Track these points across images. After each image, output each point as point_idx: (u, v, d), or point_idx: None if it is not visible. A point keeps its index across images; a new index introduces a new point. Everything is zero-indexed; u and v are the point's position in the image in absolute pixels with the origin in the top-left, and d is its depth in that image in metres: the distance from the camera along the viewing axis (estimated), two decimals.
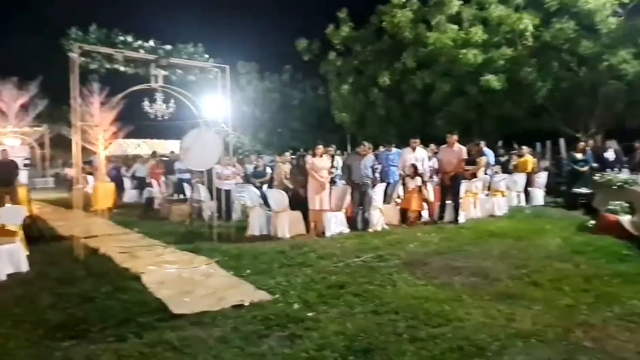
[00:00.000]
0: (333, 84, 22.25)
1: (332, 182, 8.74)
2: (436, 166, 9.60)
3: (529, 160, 11.87)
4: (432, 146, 11.41)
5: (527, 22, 15.40)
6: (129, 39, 7.31)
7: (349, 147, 25.01)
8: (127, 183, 15.06)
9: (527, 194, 11.40)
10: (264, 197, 8.47)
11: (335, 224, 7.85)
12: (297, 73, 27.24)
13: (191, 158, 7.89)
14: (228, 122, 8.27)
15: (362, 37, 20.68)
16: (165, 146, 28.35)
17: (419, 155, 9.16)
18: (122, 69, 7.48)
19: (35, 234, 7.89)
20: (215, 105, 8.28)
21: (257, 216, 8.19)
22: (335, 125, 23.41)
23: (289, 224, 7.73)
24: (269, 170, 11.04)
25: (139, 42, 7.40)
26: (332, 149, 10.36)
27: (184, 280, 5.27)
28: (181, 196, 11.08)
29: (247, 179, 10.77)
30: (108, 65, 7.31)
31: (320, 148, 7.99)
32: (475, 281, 4.99)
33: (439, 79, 17.63)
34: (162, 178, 13.35)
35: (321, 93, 25.94)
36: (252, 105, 25.99)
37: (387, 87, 19.19)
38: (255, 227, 8.13)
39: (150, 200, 12.87)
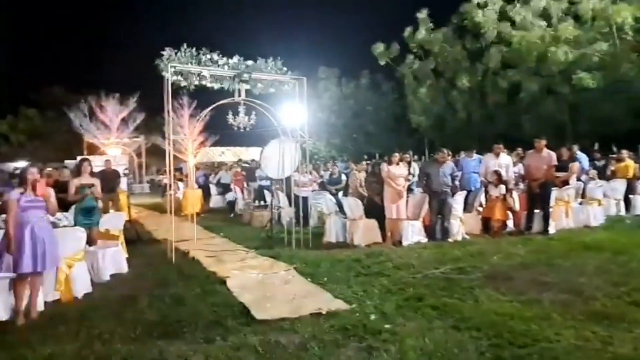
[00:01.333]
0: (410, 87, 21.93)
1: (409, 190, 8.61)
2: (522, 172, 9.06)
3: (630, 165, 10.77)
4: (519, 150, 10.80)
5: (627, 14, 14.02)
6: (215, 56, 7.80)
7: (426, 152, 24.45)
8: (213, 189, 16.01)
9: (627, 203, 10.36)
10: (339, 204, 8.57)
11: (413, 233, 7.72)
12: (374, 77, 27.20)
13: (271, 167, 8.23)
14: (304, 129, 8.50)
15: (440, 38, 20.15)
16: (248, 153, 29.74)
17: (503, 162, 8.71)
18: (208, 85, 8.01)
19: (134, 237, 8.67)
20: (293, 114, 8.55)
21: (333, 223, 8.30)
22: (412, 129, 23.02)
23: (364, 232, 7.74)
24: (344, 177, 11.15)
25: (224, 59, 7.87)
26: (408, 155, 10.22)
27: (265, 286, 5.49)
28: (262, 202, 11.54)
29: (323, 186, 10.97)
30: (197, 82, 7.86)
31: (396, 156, 7.92)
32: (567, 299, 4.64)
33: (526, 78, 16.66)
34: (244, 184, 14.05)
35: (397, 97, 25.66)
36: (327, 111, 26.40)
37: (467, 89, 18.52)
38: (332, 234, 8.25)
39: (232, 204, 13.60)
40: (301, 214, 8.65)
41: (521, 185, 9.05)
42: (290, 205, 9.41)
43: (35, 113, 30.53)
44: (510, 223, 8.49)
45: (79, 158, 17.36)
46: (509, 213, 8.39)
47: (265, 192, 11.68)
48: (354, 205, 7.88)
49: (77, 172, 6.81)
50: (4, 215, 5.61)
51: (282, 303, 4.82)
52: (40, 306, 4.72)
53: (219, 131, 18.02)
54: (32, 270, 4.55)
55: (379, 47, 21.97)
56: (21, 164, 29.54)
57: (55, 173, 10.67)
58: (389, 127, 26.08)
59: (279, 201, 10.24)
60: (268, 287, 5.42)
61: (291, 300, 4.90)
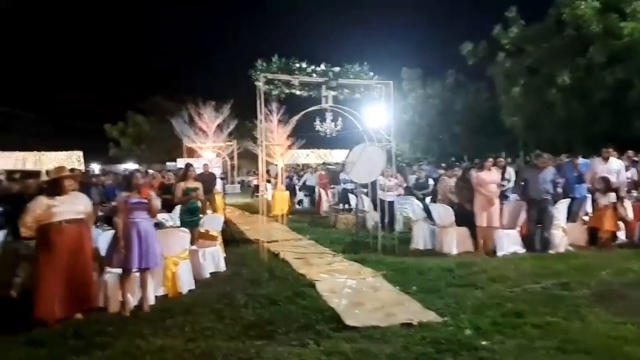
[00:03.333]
0: (501, 86, 20.75)
1: (504, 196, 8.15)
2: (635, 178, 8.17)
3: None
4: (629, 153, 9.74)
5: None
6: (304, 65, 8.02)
7: (521, 154, 22.98)
8: (299, 191, 16.49)
9: None
10: (427, 210, 8.37)
11: (508, 242, 7.30)
12: (460, 77, 26.17)
13: (356, 171, 8.27)
14: (389, 131, 8.43)
15: (536, 34, 18.81)
16: (331, 156, 30.22)
17: (614, 167, 7.93)
18: (297, 92, 8.27)
19: (229, 237, 9.20)
20: (378, 117, 8.53)
21: (421, 230, 8.13)
22: (502, 130, 21.75)
23: (455, 240, 7.48)
24: (431, 181, 10.85)
25: (312, 67, 8.07)
26: (502, 160, 9.67)
27: (353, 292, 5.53)
28: (346, 206, 11.64)
29: (409, 191, 10.77)
30: (287, 90, 8.15)
31: (490, 161, 7.55)
32: None
33: (637, 74, 14.97)
34: (329, 187, 14.28)
35: (486, 96, 24.41)
36: (410, 112, 25.88)
37: (567, 86, 17.08)
38: (419, 241, 8.08)
39: (316, 205, 13.89)
40: (386, 218, 8.58)
41: (635, 193, 8.15)
42: (375, 209, 9.37)
43: (142, 119, 33.72)
44: (621, 235, 7.69)
45: (182, 162, 18.82)
46: (620, 223, 7.60)
47: (349, 195, 11.77)
48: (443, 212, 7.65)
49: (183, 176, 7.41)
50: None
51: (372, 311, 4.82)
52: (151, 300, 5.20)
53: (304, 134, 18.51)
54: (139, 267, 5.02)
55: (467, 47, 21.11)
56: (130, 165, 32.83)
57: (159, 176, 11.72)
58: (477, 128, 24.89)
59: (364, 205, 10.25)
60: (357, 293, 5.45)
61: (380, 308, 4.88)
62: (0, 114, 30.70)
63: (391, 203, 8.91)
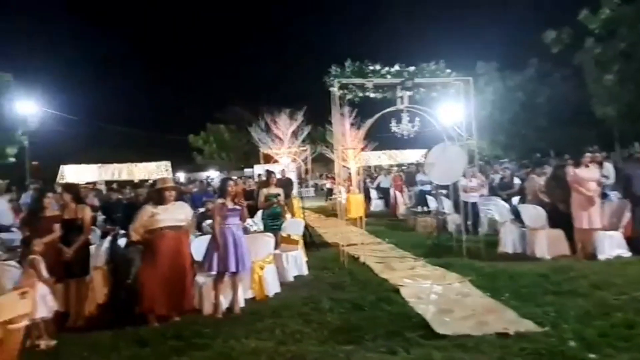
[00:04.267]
0: (591, 74, 19.06)
1: (603, 195, 7.46)
2: None
3: None
4: None
5: None
6: (378, 67, 7.96)
7: (616, 147, 20.99)
8: (373, 193, 16.36)
9: None
10: (515, 212, 7.90)
11: (611, 245, 6.67)
12: (543, 67, 24.44)
13: (436, 173, 8.04)
14: (470, 129, 8.09)
15: (631, 15, 17.07)
16: (405, 156, 29.60)
17: None
18: (372, 95, 8.22)
19: (308, 240, 9.35)
20: (456, 115, 8.24)
21: (509, 232, 7.69)
22: (593, 121, 19.97)
23: (549, 243, 6.98)
24: (517, 181, 10.25)
25: (386, 68, 7.98)
26: (599, 155, 8.87)
27: (440, 298, 5.37)
28: (424, 208, 11.34)
29: (493, 191, 10.25)
30: (361, 94, 8.14)
31: (587, 156, 6.96)
32: None
33: None
34: (405, 189, 14.02)
35: (575, 86, 22.54)
36: (489, 107, 24.60)
37: None
38: (508, 244, 7.65)
39: (392, 208, 13.69)
40: (469, 221, 8.23)
41: None
42: (456, 211, 9.04)
43: (222, 129, 35.56)
44: None
45: (259, 169, 19.56)
46: None
47: (428, 197, 11.46)
48: (534, 213, 7.18)
49: (265, 182, 7.69)
50: (209, 221, 6.64)
51: (462, 318, 4.64)
52: (241, 303, 5.42)
53: (377, 136, 18.38)
54: (235, 270, 5.26)
55: (550, 35, 19.66)
56: (212, 173, 34.69)
57: (241, 182, 12.23)
58: (565, 120, 23.06)
59: (444, 207, 9.93)
60: (444, 300, 5.28)
61: (471, 316, 4.69)
62: (96, 129, 33.97)
63: (474, 204, 8.53)
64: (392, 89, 8.06)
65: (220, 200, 5.51)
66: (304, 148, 19.20)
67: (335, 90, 7.71)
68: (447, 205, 9.60)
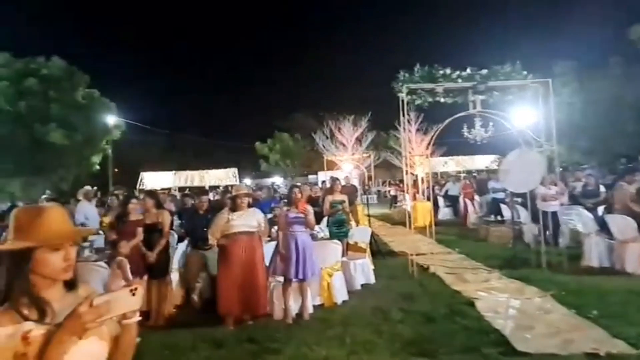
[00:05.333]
0: None
1: None
2: None
3: None
4: None
5: None
6: (448, 71, 7.72)
7: None
8: (441, 201, 15.86)
9: None
10: (600, 222, 7.29)
11: None
12: (629, 65, 22.48)
13: (512, 180, 7.62)
14: (549, 133, 7.60)
15: None
16: (473, 162, 28.45)
17: None
18: (442, 100, 7.99)
19: (374, 248, 9.24)
20: (532, 118, 7.78)
21: (595, 244, 7.11)
22: None
23: None
24: (602, 189, 9.46)
25: (457, 72, 7.72)
26: None
27: (519, 313, 5.06)
28: (497, 217, 10.80)
29: (573, 200, 9.54)
30: (430, 99, 7.94)
31: None
32: None
33: None
34: (476, 197, 13.45)
35: None
36: (567, 110, 23.01)
37: None
38: (593, 257, 7.07)
39: (462, 217, 13.17)
40: (549, 231, 7.70)
41: None
42: (534, 221, 8.50)
43: (286, 136, 36.46)
44: None
45: (322, 175, 19.70)
46: None
47: (501, 205, 10.91)
48: (623, 225, 6.58)
49: (329, 189, 7.71)
50: (276, 227, 6.77)
51: (545, 336, 4.34)
52: (310, 309, 5.45)
53: (445, 141, 17.87)
54: (298, 277, 5.31)
55: (636, 31, 18.10)
56: (276, 179, 35.56)
57: (308, 189, 12.37)
58: None
59: (519, 216, 9.38)
60: (523, 315, 4.97)
61: (555, 334, 4.37)
62: (171, 138, 36.06)
63: (554, 214, 7.98)
64: (464, 93, 7.80)
65: (285, 208, 5.59)
66: (368, 154, 19.11)
67: (403, 95, 7.59)
68: (524, 214, 9.06)
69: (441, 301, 5.61)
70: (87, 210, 8.56)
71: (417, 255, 8.20)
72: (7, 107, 14.59)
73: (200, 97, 60.32)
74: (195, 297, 6.19)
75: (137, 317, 1.36)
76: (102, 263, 5.28)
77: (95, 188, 11.61)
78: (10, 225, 1.39)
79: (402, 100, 7.68)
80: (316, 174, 26.05)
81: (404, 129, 8.69)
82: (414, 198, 14.32)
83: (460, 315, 5.01)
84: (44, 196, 14.40)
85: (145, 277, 5.35)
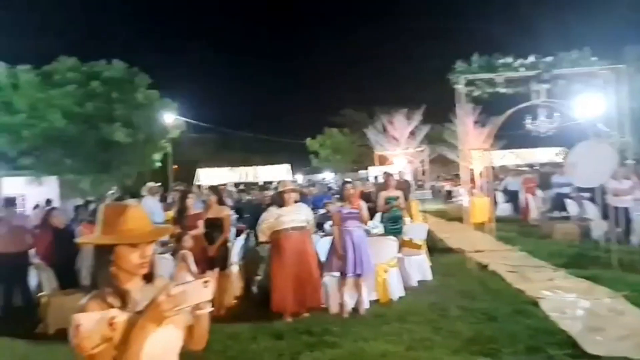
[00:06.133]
0: None
1: None
2: None
3: None
4: None
5: None
6: (509, 60, 7.42)
7: None
8: (499, 196, 15.24)
9: None
10: None
11: None
12: None
13: (580, 174, 7.20)
14: (622, 124, 7.11)
15: None
16: (534, 155, 27.04)
17: None
18: (502, 90, 7.69)
19: (430, 244, 9.05)
20: (601, 108, 7.29)
21: None
22: None
23: None
24: None
25: (519, 60, 7.40)
26: None
27: (588, 314, 4.79)
28: (563, 213, 10.24)
29: None
30: (490, 90, 7.68)
31: None
32: None
33: None
34: (538, 192, 12.82)
35: None
36: None
37: None
38: None
39: (522, 212, 12.60)
40: (620, 228, 7.22)
41: None
42: (603, 217, 7.99)
43: (336, 132, 36.50)
44: None
45: (373, 171, 19.53)
46: None
47: (567, 201, 10.33)
48: None
49: (384, 185, 7.64)
50: (330, 222, 6.81)
51: (618, 339, 4.09)
52: (366, 304, 5.45)
53: (504, 134, 17.15)
54: (355, 273, 5.31)
55: None
56: (327, 175, 35.69)
57: (360, 184, 12.33)
58: None
59: (586, 212, 8.86)
60: (593, 316, 4.71)
61: (628, 336, 4.13)
62: (225, 135, 37.18)
63: (626, 209, 7.48)
64: (526, 82, 7.49)
65: (338, 204, 5.60)
66: (421, 149, 18.69)
67: (460, 87, 7.40)
68: (592, 210, 8.55)
69: (503, 300, 5.43)
70: (152, 205, 9.01)
71: (474, 252, 7.98)
72: (76, 109, 15.63)
73: (254, 95, 61.71)
74: (254, 289, 6.37)
75: (209, 308, 1.44)
76: (167, 255, 5.56)
77: (159, 184, 12.19)
78: (98, 220, 1.51)
79: (459, 92, 7.48)
80: (367, 169, 25.87)
81: (460, 121, 8.45)
82: (471, 193, 13.88)
83: (523, 315, 4.82)
84: (110, 192, 15.36)
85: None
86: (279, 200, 5.45)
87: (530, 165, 23.06)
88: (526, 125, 7.65)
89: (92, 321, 1.33)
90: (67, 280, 5.56)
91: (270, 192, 8.16)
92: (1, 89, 15.13)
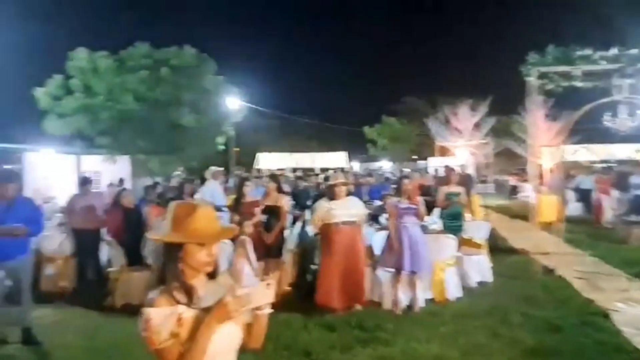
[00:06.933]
0: None
1: None
2: None
3: None
4: None
5: None
6: (588, 52, 6.85)
7: None
8: (570, 195, 14.28)
9: None
10: None
11: None
12: None
13: None
14: None
15: None
16: (610, 151, 25.03)
17: None
18: (578, 84, 7.13)
19: (491, 243, 8.67)
20: None
21: None
22: None
23: None
24: None
25: (599, 53, 6.81)
26: None
27: None
28: None
29: None
30: (565, 83, 7.16)
31: None
32: None
33: None
34: (613, 192, 11.87)
35: None
36: None
37: None
38: None
39: (595, 214, 11.74)
40: None
41: None
42: None
43: (394, 121, 35.86)
44: None
45: (433, 161, 19.02)
46: None
47: None
48: None
49: (445, 179, 7.39)
50: (386, 215, 6.70)
51: None
52: (420, 302, 5.34)
53: (577, 128, 15.97)
54: (410, 270, 5.19)
55: None
56: (384, 164, 35.27)
57: (417, 176, 12.03)
58: None
59: None
60: None
61: None
62: (285, 120, 37.69)
63: None
64: (606, 76, 6.88)
65: (395, 199, 5.48)
66: (486, 141, 17.87)
67: (532, 80, 6.95)
68: None
69: (569, 309, 5.10)
70: (214, 189, 9.34)
71: (540, 254, 7.55)
72: (148, 93, 16.46)
73: (313, 81, 61.96)
74: (309, 277, 6.45)
75: (269, 310, 1.47)
76: (227, 240, 5.73)
77: (222, 169, 12.61)
78: (168, 217, 1.56)
79: (531, 85, 7.03)
80: (426, 159, 25.21)
81: (530, 115, 7.97)
82: (538, 190, 13.11)
83: (592, 327, 4.50)
84: (176, 172, 16.14)
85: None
86: (330, 193, 5.42)
87: (606, 162, 21.40)
88: (604, 122, 7.04)
89: (161, 317, 1.39)
90: (134, 257, 5.90)
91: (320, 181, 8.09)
92: (83, 72, 16.25)
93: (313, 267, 6.36)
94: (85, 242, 6.59)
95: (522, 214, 12.42)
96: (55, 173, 14.35)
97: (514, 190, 18.83)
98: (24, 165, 14.28)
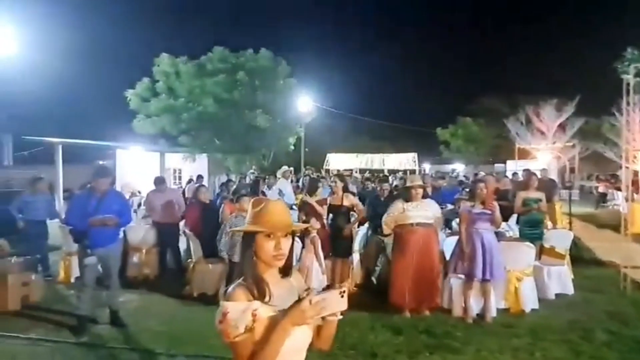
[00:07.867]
0: None
1: None
2: None
3: None
4: None
5: None
6: None
7: None
8: None
9: None
10: None
11: None
12: None
13: None
14: None
15: None
16: None
17: None
18: None
19: (574, 253, 8.05)
20: None
21: None
22: None
23: None
24: None
25: None
26: None
27: None
28: None
29: None
30: None
31: None
32: None
33: None
34: None
35: None
36: None
37: None
38: None
39: None
40: None
41: None
42: None
43: (470, 122, 34.43)
44: None
45: (512, 165, 18.01)
46: None
47: None
48: None
49: (524, 184, 6.98)
50: (457, 220, 6.46)
51: None
52: (493, 312, 5.08)
53: None
54: (482, 277, 4.96)
55: None
56: (457, 166, 34.05)
57: (492, 180, 11.46)
58: None
59: None
60: None
61: None
62: (354, 121, 37.70)
63: None
64: None
65: (468, 203, 5.26)
66: (572, 144, 16.57)
67: (629, 77, 6.34)
68: None
69: None
70: (284, 188, 9.61)
71: (631, 267, 6.86)
72: (225, 96, 17.32)
73: (384, 81, 61.46)
74: (374, 279, 6.41)
75: (340, 316, 1.48)
76: (296, 239, 5.86)
77: (292, 168, 12.95)
78: (248, 211, 1.64)
79: (627, 83, 6.43)
80: (504, 162, 23.94)
81: (626, 116, 7.29)
82: (632, 198, 11.92)
83: None
84: (249, 171, 16.81)
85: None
86: (406, 195, 5.34)
87: None
88: None
89: (238, 311, 1.43)
90: (210, 250, 6.22)
91: (385, 185, 7.97)
92: (167, 76, 17.49)
93: (377, 268, 6.31)
94: (165, 235, 7.07)
95: (611, 224, 11.35)
96: (142, 169, 15.55)
97: (602, 197, 17.33)
98: (115, 161, 15.60)
